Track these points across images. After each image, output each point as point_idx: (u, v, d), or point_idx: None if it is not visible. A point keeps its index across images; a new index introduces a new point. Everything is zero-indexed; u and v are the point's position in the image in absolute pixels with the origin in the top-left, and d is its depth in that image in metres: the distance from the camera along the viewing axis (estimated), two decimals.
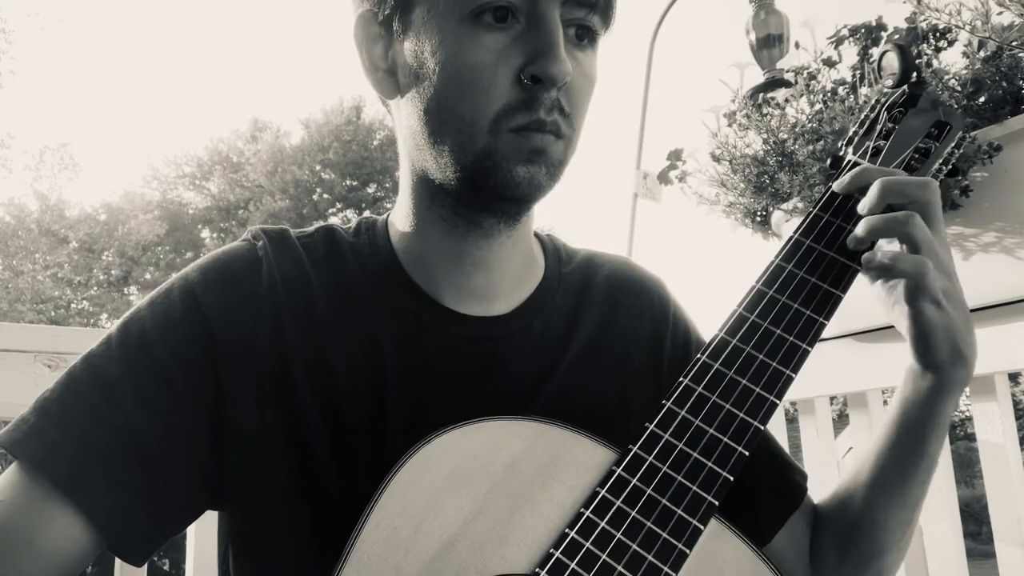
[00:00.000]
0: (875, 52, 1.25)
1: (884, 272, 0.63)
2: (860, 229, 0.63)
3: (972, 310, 1.17)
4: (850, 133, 0.74)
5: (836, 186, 0.68)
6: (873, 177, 0.65)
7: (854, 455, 0.84)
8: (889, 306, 0.67)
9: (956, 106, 1.15)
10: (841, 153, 0.73)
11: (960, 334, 0.64)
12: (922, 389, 0.67)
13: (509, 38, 0.62)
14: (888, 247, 0.64)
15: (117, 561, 1.16)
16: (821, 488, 0.85)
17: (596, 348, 0.76)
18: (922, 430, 0.68)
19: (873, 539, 0.73)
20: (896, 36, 1.26)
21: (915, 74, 0.74)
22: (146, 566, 1.21)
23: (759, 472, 0.77)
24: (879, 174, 0.65)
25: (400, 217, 0.74)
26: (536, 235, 0.81)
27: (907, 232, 0.62)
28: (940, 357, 0.64)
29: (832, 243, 0.65)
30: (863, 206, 0.65)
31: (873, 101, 0.76)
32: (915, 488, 0.71)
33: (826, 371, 1.35)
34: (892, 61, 0.74)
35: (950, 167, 0.73)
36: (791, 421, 1.77)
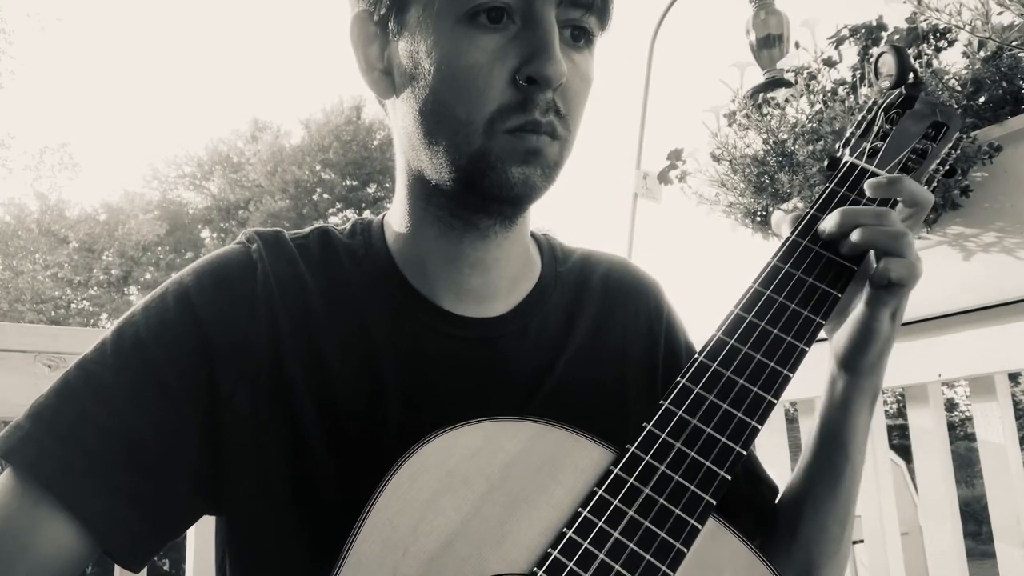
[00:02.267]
0: (873, 52, 1.25)
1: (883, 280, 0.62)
2: (855, 235, 0.63)
3: (972, 310, 1.18)
4: (847, 135, 0.74)
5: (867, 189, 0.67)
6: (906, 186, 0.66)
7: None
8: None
9: (956, 106, 1.15)
10: (838, 155, 0.73)
11: (889, 349, 0.68)
12: (839, 392, 0.70)
13: (504, 39, 0.62)
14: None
15: None
16: None
17: (593, 347, 0.76)
18: (842, 435, 0.70)
19: (809, 550, 0.73)
20: (896, 37, 1.26)
21: (912, 75, 0.74)
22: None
23: (734, 486, 0.78)
24: (911, 184, 0.66)
25: (396, 218, 0.74)
26: (532, 234, 0.81)
27: (899, 248, 0.62)
28: (866, 362, 0.68)
29: (829, 244, 0.65)
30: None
31: (870, 103, 0.76)
32: (843, 497, 0.72)
33: (825, 371, 1.35)
34: (888, 63, 0.74)
35: (947, 167, 0.73)
36: (791, 421, 1.77)
